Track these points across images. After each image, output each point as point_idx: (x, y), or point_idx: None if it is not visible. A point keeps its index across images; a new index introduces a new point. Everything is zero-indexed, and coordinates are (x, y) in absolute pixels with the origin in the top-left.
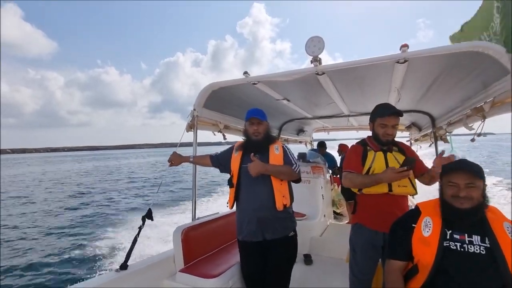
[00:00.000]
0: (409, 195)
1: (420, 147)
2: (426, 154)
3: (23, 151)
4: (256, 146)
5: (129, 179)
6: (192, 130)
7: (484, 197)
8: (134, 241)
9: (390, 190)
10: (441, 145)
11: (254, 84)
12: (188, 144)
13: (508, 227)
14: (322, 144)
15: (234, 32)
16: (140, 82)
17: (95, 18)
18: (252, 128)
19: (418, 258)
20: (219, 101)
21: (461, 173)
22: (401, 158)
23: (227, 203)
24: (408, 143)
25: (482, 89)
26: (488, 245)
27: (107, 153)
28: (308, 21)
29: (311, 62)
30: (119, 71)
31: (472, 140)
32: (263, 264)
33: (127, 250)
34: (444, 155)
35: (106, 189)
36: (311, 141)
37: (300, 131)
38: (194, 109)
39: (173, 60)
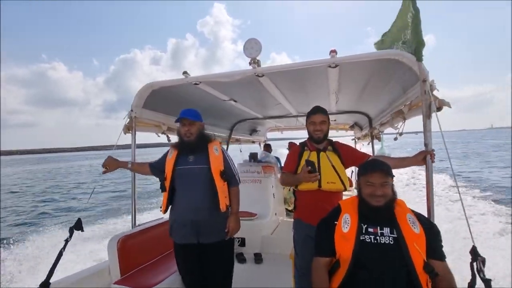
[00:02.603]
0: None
1: (363, 144)
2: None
3: None
4: (190, 147)
5: (60, 184)
6: (130, 132)
7: (393, 193)
8: (59, 255)
9: (320, 186)
10: (378, 143)
11: (196, 84)
12: (142, 146)
13: (410, 218)
14: (267, 146)
15: (194, 31)
16: (93, 80)
17: (40, 10)
18: (183, 129)
19: (339, 253)
20: (161, 101)
21: (377, 173)
22: (334, 158)
23: (160, 207)
24: (353, 142)
25: (402, 93)
26: (396, 236)
27: (59, 156)
28: (269, 23)
29: (250, 64)
30: (68, 67)
31: (395, 139)
32: (200, 268)
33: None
34: (377, 154)
35: (36, 194)
36: (265, 140)
37: (253, 131)
38: (132, 110)
39: (129, 57)
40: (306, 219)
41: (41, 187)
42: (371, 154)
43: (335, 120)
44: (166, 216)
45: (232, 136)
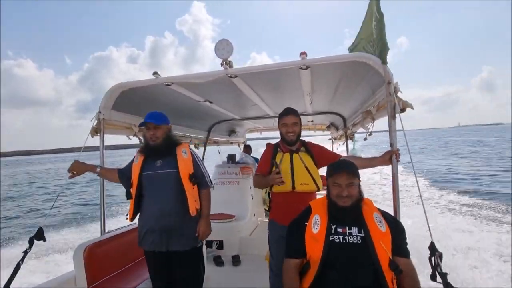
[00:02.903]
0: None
1: (340, 144)
2: (341, 151)
3: None
4: (156, 151)
5: (24, 189)
6: (98, 135)
7: (360, 193)
8: (17, 268)
9: (294, 187)
10: (352, 143)
11: (168, 85)
12: (121, 147)
13: (376, 217)
14: (247, 147)
15: (173, 29)
16: (65, 78)
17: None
18: (148, 133)
19: (310, 254)
20: (132, 102)
21: (343, 174)
22: (307, 158)
23: (127, 215)
24: (330, 141)
25: (371, 94)
26: (363, 235)
27: (28, 159)
28: (249, 23)
29: (221, 65)
30: (37, 64)
31: (365, 139)
32: (170, 276)
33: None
34: (349, 153)
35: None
36: (244, 141)
37: (232, 132)
38: (100, 112)
39: (105, 54)
40: (280, 220)
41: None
42: (345, 154)
43: (312, 121)
44: None
45: (210, 138)
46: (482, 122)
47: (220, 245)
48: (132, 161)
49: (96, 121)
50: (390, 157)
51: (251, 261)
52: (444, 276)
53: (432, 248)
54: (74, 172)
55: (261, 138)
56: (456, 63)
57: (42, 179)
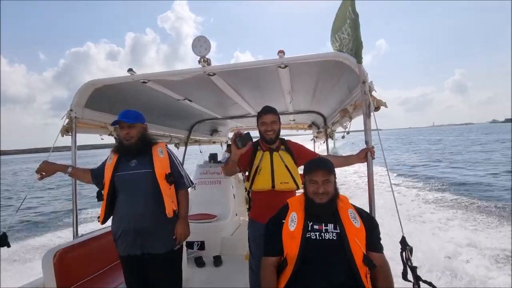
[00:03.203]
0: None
1: (321, 143)
2: (322, 150)
3: None
4: (131, 151)
5: None
6: (70, 134)
7: (335, 189)
8: None
9: (273, 186)
10: (332, 141)
11: (145, 82)
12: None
13: (351, 213)
14: (229, 146)
15: (155, 26)
16: (38, 75)
17: None
18: (122, 132)
19: (287, 252)
20: (107, 100)
21: (319, 171)
22: (286, 157)
23: (98, 218)
24: (312, 140)
25: (348, 93)
26: (338, 231)
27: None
28: (233, 22)
29: (199, 62)
30: (7, 59)
31: (343, 137)
32: (146, 281)
33: None
34: (330, 152)
35: None
36: (226, 141)
37: (214, 131)
38: (71, 110)
39: (83, 50)
40: (260, 219)
41: None
42: (325, 154)
43: (294, 120)
44: None
45: (192, 137)
46: (454, 122)
47: (202, 245)
48: (104, 161)
49: (67, 120)
50: (365, 155)
51: (233, 261)
52: (414, 269)
53: (403, 242)
54: (43, 173)
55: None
56: (431, 65)
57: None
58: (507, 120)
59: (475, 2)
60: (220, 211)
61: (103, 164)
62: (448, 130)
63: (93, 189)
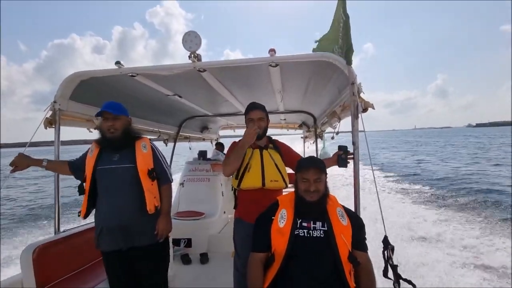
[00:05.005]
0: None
1: (310, 143)
2: (312, 151)
3: None
4: (113, 144)
5: None
6: (54, 126)
7: (326, 188)
8: None
9: (263, 185)
10: (322, 142)
11: (133, 76)
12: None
13: (339, 212)
14: (219, 145)
15: (144, 21)
16: (18, 66)
17: None
18: (106, 124)
19: (274, 248)
20: (94, 93)
21: (311, 170)
22: (276, 155)
23: (79, 213)
24: (302, 140)
25: (338, 94)
26: (326, 229)
27: None
28: (223, 20)
29: (189, 57)
30: None
31: (332, 138)
32: (130, 276)
33: None
34: (319, 152)
35: None
36: (217, 138)
37: (204, 128)
38: (55, 101)
39: (67, 42)
40: (247, 218)
41: None
42: (315, 154)
43: (284, 119)
44: None
45: (181, 133)
46: (434, 126)
47: (189, 243)
48: (87, 152)
49: (50, 112)
50: (336, 158)
51: (220, 258)
52: (395, 268)
53: (385, 241)
54: (17, 166)
55: (235, 136)
56: (415, 70)
57: None
58: (478, 125)
59: (462, 6)
60: (208, 209)
61: (83, 156)
62: (428, 133)
63: None
